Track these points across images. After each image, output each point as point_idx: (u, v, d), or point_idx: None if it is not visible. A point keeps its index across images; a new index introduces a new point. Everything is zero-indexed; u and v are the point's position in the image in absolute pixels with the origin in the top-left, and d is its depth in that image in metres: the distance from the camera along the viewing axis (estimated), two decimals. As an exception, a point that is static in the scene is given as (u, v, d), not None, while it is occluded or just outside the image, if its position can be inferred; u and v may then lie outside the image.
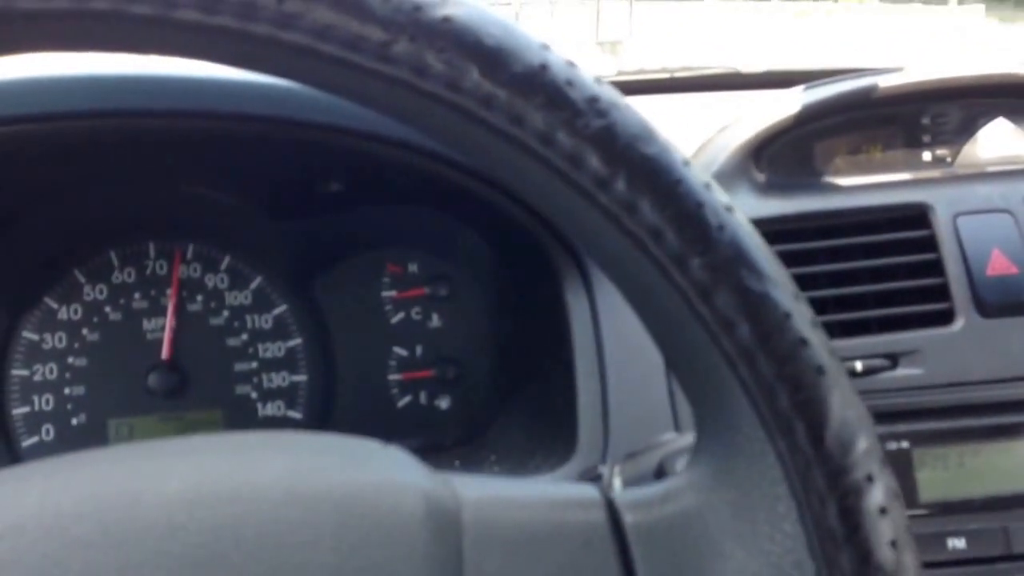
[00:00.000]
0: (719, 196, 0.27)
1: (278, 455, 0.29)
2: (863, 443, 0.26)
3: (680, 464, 0.49)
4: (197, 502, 0.26)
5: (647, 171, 0.26)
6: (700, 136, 0.79)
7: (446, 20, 0.25)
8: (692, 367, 0.29)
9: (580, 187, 0.26)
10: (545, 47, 0.27)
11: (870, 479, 0.26)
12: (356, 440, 0.31)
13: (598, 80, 0.27)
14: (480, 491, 0.29)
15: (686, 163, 0.27)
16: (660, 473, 0.49)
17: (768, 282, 0.27)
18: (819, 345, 0.27)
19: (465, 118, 0.26)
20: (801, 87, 0.78)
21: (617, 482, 0.51)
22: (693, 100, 1.03)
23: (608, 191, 0.26)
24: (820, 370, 0.27)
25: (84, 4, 0.24)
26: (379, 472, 0.29)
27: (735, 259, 0.26)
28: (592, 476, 0.52)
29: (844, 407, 0.27)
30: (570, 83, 0.26)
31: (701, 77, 1.11)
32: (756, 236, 0.27)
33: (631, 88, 1.10)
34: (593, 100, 0.26)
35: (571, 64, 0.27)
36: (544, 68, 0.26)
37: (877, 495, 0.26)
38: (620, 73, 1.15)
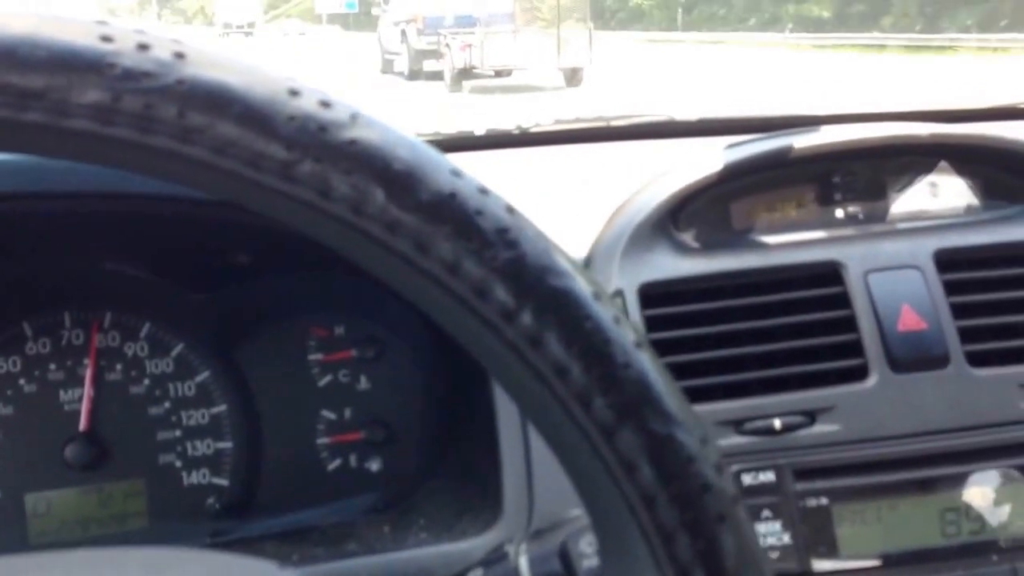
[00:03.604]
0: (628, 332, 0.27)
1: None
2: None
3: (583, 543, 0.49)
4: None
5: (555, 305, 0.26)
6: (629, 188, 0.79)
7: (352, 142, 0.25)
8: (595, 505, 0.29)
9: (485, 319, 0.26)
10: (456, 173, 0.26)
11: None
12: (264, 565, 0.30)
13: (509, 209, 0.27)
14: None
15: (596, 297, 0.27)
16: (564, 552, 0.49)
17: (673, 424, 0.26)
18: (722, 491, 0.26)
19: (370, 242, 0.25)
20: (720, 145, 0.79)
21: (523, 561, 0.51)
22: (627, 148, 1.05)
23: (514, 324, 0.26)
24: (720, 518, 0.26)
25: None
26: None
27: (640, 399, 0.26)
28: (499, 555, 0.52)
29: (742, 556, 0.26)
30: (480, 212, 0.26)
31: (636, 125, 1.12)
32: (664, 374, 0.27)
33: (567, 137, 1.11)
34: (502, 231, 0.26)
35: (483, 191, 0.26)
36: (453, 196, 0.25)
37: None
38: (557, 122, 1.16)
